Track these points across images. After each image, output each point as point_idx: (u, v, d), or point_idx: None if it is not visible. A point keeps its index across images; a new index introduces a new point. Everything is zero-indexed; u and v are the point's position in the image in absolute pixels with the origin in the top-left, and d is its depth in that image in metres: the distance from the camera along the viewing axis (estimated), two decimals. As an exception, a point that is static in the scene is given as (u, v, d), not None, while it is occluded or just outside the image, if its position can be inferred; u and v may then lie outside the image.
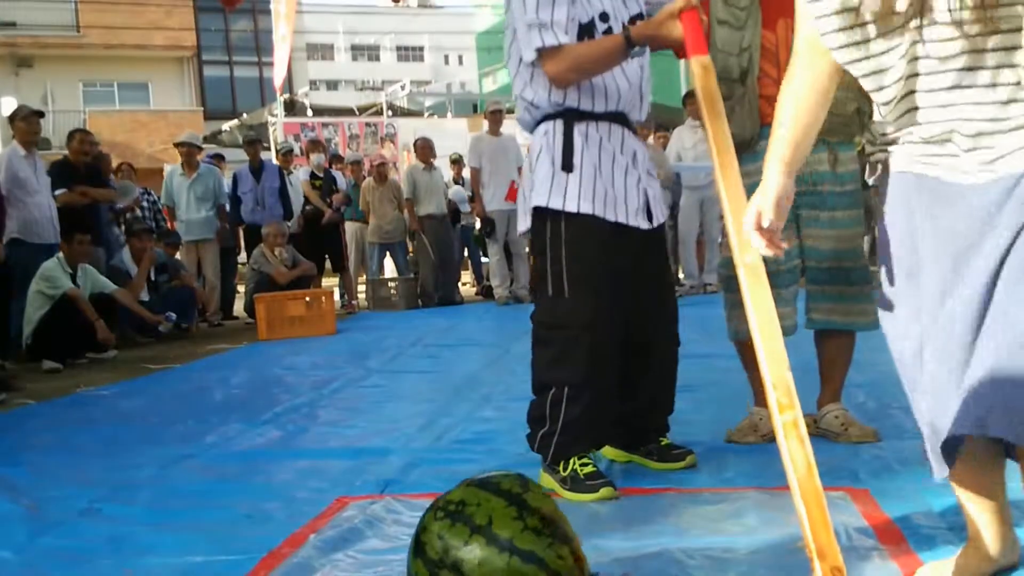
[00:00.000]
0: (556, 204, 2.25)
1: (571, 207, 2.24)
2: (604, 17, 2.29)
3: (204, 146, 14.79)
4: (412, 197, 8.20)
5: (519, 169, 7.24)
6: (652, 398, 2.45)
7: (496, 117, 7.90)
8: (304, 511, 2.20)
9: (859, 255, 2.57)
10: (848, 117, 2.50)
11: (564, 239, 2.25)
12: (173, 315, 6.54)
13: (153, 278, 6.66)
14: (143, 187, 8.34)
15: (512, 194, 7.45)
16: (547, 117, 2.32)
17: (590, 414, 2.25)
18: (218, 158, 9.35)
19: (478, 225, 8.55)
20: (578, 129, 2.28)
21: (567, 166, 2.25)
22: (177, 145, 7.88)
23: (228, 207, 8.15)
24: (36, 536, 2.15)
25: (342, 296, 8.54)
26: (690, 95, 8.16)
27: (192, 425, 3.40)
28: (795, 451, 1.44)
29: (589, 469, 2.22)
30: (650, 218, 2.37)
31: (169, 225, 7.85)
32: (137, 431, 3.39)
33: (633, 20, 2.32)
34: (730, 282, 2.51)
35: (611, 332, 2.28)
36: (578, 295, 2.24)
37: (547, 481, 2.27)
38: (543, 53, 2.21)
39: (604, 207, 2.27)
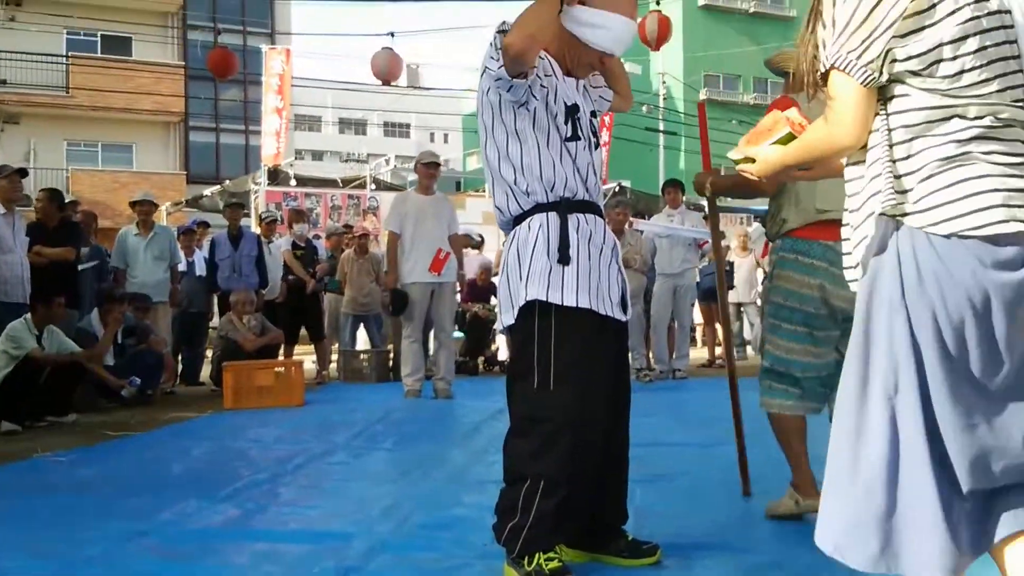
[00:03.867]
0: (555, 298, 2.23)
1: (569, 301, 2.23)
2: (575, 108, 2.35)
3: (185, 210, 14.85)
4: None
5: (451, 238, 6.39)
6: (616, 492, 2.43)
7: (429, 171, 6.38)
8: (258, 597, 2.13)
9: None
10: None
11: (554, 331, 2.23)
12: (137, 380, 6.39)
13: (120, 341, 6.55)
14: (105, 247, 8.23)
15: (437, 264, 6.25)
16: (538, 208, 2.31)
17: (563, 509, 2.20)
18: (203, 225, 9.33)
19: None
20: (571, 221, 2.30)
21: (564, 259, 2.25)
22: (133, 204, 7.56)
23: (205, 273, 8.11)
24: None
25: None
26: (668, 184, 8.37)
27: (148, 499, 3.29)
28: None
29: (554, 565, 2.17)
30: (624, 310, 2.39)
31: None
32: (92, 502, 3.28)
33: (593, 114, 2.42)
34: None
35: (594, 427, 2.26)
36: (564, 388, 2.21)
37: (511, 575, 2.22)
38: (503, 33, 2.13)
39: (597, 300, 2.28)
